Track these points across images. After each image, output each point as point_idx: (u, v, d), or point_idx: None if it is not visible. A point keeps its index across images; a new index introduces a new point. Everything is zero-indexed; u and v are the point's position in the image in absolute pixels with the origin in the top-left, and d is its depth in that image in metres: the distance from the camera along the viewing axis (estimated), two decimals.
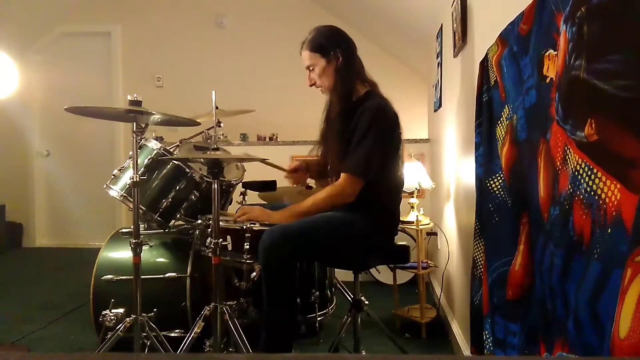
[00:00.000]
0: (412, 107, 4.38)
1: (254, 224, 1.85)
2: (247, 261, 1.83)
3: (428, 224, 2.78)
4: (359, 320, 2.03)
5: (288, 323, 1.77)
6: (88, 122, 3.25)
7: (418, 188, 2.78)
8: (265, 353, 1.57)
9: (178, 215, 2.26)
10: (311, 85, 1.97)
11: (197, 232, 2.04)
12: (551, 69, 0.99)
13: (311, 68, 1.93)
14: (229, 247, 1.85)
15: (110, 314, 1.95)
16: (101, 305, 2.06)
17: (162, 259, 2.32)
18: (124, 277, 2.18)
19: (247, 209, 1.92)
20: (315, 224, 1.77)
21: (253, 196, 2.60)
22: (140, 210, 2.10)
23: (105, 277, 2.20)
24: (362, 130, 1.78)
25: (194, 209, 2.25)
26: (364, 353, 2.08)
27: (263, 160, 2.06)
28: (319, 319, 2.32)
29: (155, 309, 2.02)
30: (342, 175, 1.80)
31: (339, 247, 1.82)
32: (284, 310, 1.72)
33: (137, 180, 1.82)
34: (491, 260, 1.41)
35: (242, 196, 2.57)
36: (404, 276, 3.26)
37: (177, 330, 2.17)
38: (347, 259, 1.92)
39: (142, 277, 1.87)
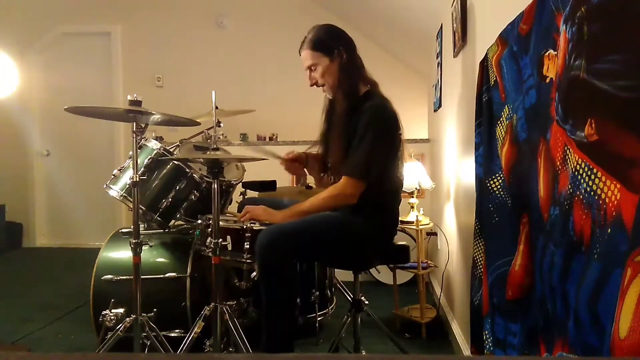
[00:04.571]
0: (412, 107, 4.38)
1: (254, 223, 1.85)
2: (247, 261, 1.84)
3: (428, 224, 2.78)
4: (359, 320, 2.03)
5: (288, 323, 1.77)
6: (88, 122, 3.24)
7: (418, 188, 2.78)
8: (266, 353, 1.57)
9: (178, 215, 2.26)
10: (312, 85, 1.94)
11: (197, 232, 2.04)
12: (551, 69, 0.99)
13: (313, 68, 1.89)
14: (229, 247, 1.85)
15: (110, 314, 1.95)
16: (101, 305, 2.06)
17: (162, 259, 2.32)
18: (124, 277, 2.18)
19: (251, 208, 1.92)
20: (311, 223, 1.77)
21: (253, 196, 2.59)
22: (140, 210, 2.10)
23: (105, 277, 2.20)
24: (361, 132, 1.78)
25: (194, 209, 2.25)
26: (364, 353, 2.08)
27: (262, 158, 2.06)
28: (319, 319, 2.33)
29: (155, 309, 2.02)
30: (343, 177, 1.80)
31: (336, 246, 1.82)
32: (283, 310, 1.72)
33: (137, 180, 1.82)
34: (491, 260, 1.41)
35: (242, 196, 2.58)
36: (404, 276, 3.25)
37: (177, 330, 2.17)
38: (346, 259, 1.92)
39: (142, 277, 1.87)
